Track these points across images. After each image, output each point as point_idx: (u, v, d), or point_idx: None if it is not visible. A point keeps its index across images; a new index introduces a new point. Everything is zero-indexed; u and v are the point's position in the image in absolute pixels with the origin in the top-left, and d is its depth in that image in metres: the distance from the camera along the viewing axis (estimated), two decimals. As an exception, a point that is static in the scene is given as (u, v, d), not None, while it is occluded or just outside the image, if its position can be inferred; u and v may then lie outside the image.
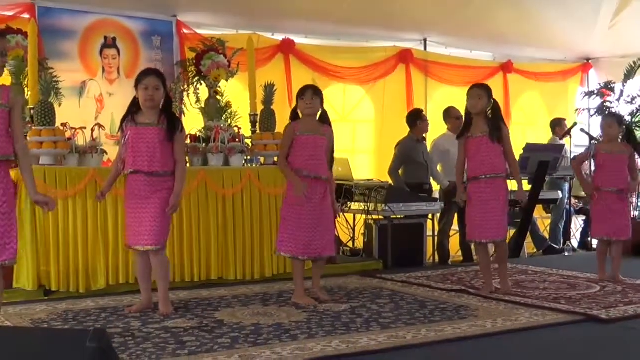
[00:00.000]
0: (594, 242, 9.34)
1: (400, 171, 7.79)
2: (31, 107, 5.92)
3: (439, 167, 7.98)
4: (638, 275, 6.20)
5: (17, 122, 3.99)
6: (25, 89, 6.12)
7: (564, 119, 9.13)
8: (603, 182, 6.10)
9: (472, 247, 8.04)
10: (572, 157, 9.42)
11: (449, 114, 8.03)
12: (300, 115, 5.39)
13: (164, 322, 4.62)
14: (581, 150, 10.01)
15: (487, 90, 5.66)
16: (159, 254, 4.90)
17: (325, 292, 5.51)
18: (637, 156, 6.37)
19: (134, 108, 4.88)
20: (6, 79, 6.23)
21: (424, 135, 7.99)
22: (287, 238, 5.28)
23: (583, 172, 9.76)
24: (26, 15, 6.67)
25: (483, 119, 5.57)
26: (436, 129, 8.20)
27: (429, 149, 8.04)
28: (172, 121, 4.89)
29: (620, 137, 6.21)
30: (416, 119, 7.85)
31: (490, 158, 5.51)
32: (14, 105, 3.94)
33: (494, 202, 5.53)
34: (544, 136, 9.26)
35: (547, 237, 8.88)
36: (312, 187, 5.25)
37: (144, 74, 4.98)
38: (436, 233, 7.95)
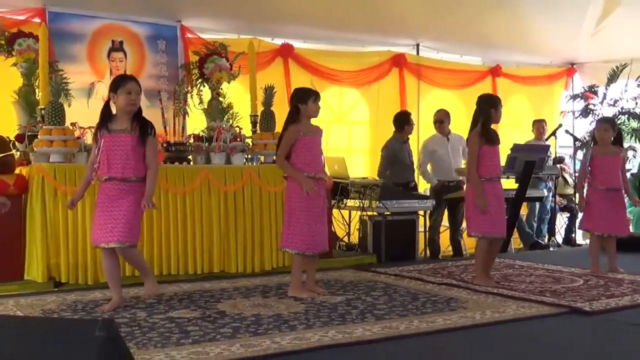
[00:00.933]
0: (578, 239, 9.43)
1: (387, 171, 7.83)
2: (42, 107, 5.91)
3: (428, 167, 7.99)
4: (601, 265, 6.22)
5: None
6: (36, 90, 6.11)
7: (543, 120, 9.13)
8: (602, 182, 6.12)
9: (462, 242, 8.12)
10: (556, 156, 9.50)
11: (437, 117, 8.03)
12: (302, 118, 5.20)
13: (169, 313, 4.62)
14: (566, 150, 10.10)
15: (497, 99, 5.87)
16: (127, 251, 4.76)
17: (320, 286, 5.50)
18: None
19: (108, 113, 4.74)
20: (17, 80, 6.25)
21: (408, 135, 8.02)
22: (292, 235, 5.19)
23: (568, 172, 9.88)
24: (37, 20, 6.66)
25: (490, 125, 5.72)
26: (428, 130, 8.21)
27: (419, 149, 8.06)
28: (144, 126, 4.75)
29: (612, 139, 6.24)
30: (404, 123, 7.88)
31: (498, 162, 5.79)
32: None
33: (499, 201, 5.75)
34: (531, 137, 9.27)
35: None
36: (319, 188, 5.21)
37: (124, 79, 4.83)
38: (427, 229, 7.95)
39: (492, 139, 5.64)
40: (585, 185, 6.33)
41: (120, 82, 4.71)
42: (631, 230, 8.83)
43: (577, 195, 9.67)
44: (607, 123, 6.43)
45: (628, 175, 9.64)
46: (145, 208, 4.79)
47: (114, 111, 4.75)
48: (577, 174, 9.65)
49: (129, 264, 4.92)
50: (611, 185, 6.13)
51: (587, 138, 9.36)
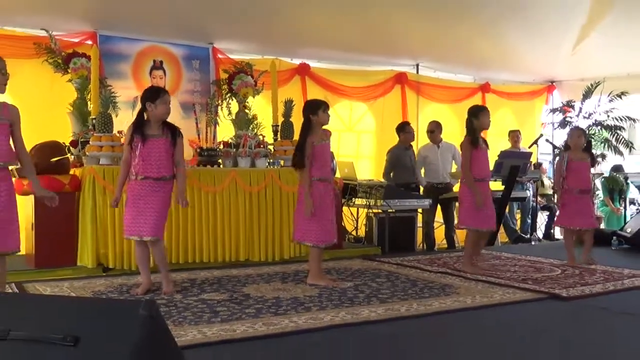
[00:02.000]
0: (557, 234, 9.38)
1: (391, 174, 7.84)
2: (93, 117, 5.95)
3: (422, 171, 7.99)
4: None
5: (17, 133, 3.86)
6: (88, 103, 6.15)
7: (518, 130, 9.12)
8: (575, 184, 6.08)
9: (455, 236, 8.10)
10: (536, 162, 9.47)
11: (428, 128, 8.06)
12: (315, 127, 5.10)
13: (201, 295, 4.64)
14: (545, 156, 10.07)
15: (486, 110, 5.85)
16: (156, 244, 4.71)
17: (332, 274, 5.49)
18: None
19: (142, 120, 4.66)
20: (72, 94, 6.28)
21: (411, 143, 8.01)
22: (307, 230, 5.11)
23: (546, 175, 9.85)
24: (89, 42, 6.71)
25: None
26: (426, 138, 8.20)
27: (416, 155, 8.07)
28: (174, 131, 4.72)
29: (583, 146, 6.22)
30: (399, 131, 7.92)
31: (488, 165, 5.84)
32: (14, 120, 3.82)
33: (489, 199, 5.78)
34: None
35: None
36: (327, 187, 5.16)
37: (162, 91, 4.76)
38: (423, 224, 7.94)
39: (474, 144, 5.63)
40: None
41: (159, 94, 4.67)
42: (602, 227, 8.82)
43: (555, 195, 9.68)
44: (580, 131, 6.46)
45: (600, 178, 9.65)
46: (183, 205, 4.84)
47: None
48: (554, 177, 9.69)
49: (154, 257, 4.79)
50: (583, 186, 6.10)
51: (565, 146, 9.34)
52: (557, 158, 9.50)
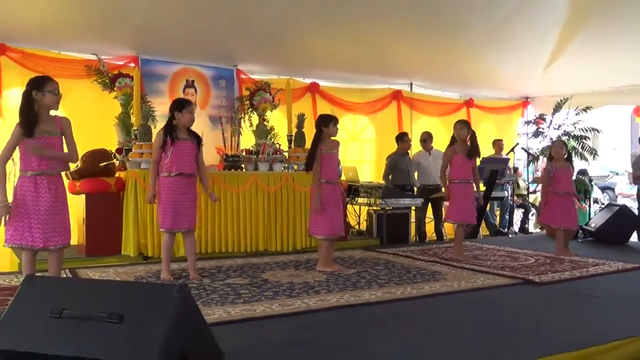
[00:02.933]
0: (530, 228, 9.35)
1: (390, 176, 7.84)
2: (135, 128, 5.97)
3: (415, 174, 7.99)
4: (548, 249, 6.15)
5: (70, 142, 3.84)
6: (131, 116, 6.18)
7: (501, 140, 9.09)
8: (560, 188, 6.02)
9: (443, 230, 8.09)
10: (513, 166, 9.43)
11: (421, 137, 8.05)
12: (325, 137, 5.10)
13: (226, 280, 4.64)
14: (522, 162, 10.02)
15: (468, 124, 5.88)
16: (192, 234, 4.73)
17: (338, 262, 5.47)
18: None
19: (172, 126, 4.59)
20: (117, 109, 6.32)
21: (408, 150, 8.00)
22: (318, 224, 5.12)
23: (522, 178, 9.80)
24: (132, 64, 6.73)
25: (464, 143, 5.72)
26: (419, 147, 8.19)
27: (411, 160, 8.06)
28: (198, 138, 4.71)
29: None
30: (398, 140, 7.93)
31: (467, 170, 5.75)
32: (65, 131, 3.82)
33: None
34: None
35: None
36: (334, 188, 5.15)
37: (187, 102, 4.69)
38: (416, 219, 7.93)
39: (455, 151, 5.70)
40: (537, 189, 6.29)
41: (184, 104, 4.62)
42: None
43: (529, 196, 9.63)
44: (561, 142, 6.44)
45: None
46: (214, 200, 4.92)
47: None
48: (530, 180, 9.63)
49: (186, 246, 4.75)
50: (567, 189, 6.05)
51: (537, 153, 9.30)
52: (533, 165, 9.54)
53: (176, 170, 4.54)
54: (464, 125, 5.80)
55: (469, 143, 5.76)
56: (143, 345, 2.07)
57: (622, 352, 2.99)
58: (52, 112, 3.84)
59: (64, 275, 4.51)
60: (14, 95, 5.74)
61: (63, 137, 3.82)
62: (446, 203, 6.08)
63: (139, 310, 2.21)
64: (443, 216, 7.99)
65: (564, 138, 8.75)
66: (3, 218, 3.67)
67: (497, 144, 8.96)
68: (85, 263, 5.30)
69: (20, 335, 2.20)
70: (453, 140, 5.83)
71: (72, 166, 5.65)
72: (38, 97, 3.69)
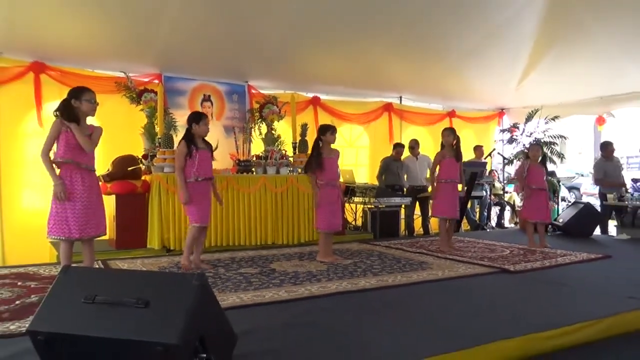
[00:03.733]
0: (506, 223, 9.32)
1: (383, 177, 7.82)
2: (159, 137, 5.97)
3: (405, 176, 7.98)
4: (522, 242, 6.14)
5: (96, 143, 3.80)
6: (155, 126, 6.18)
7: (482, 146, 9.06)
8: (534, 183, 6.00)
9: (429, 225, 8.07)
10: (490, 169, 9.42)
11: (409, 144, 8.09)
12: (325, 145, 5.10)
13: (239, 270, 4.64)
14: (499, 165, 10.00)
15: (454, 131, 5.89)
16: (206, 230, 4.81)
17: (337, 254, 5.47)
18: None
19: (191, 136, 4.56)
20: (143, 120, 6.31)
21: (400, 157, 8.00)
22: (319, 220, 5.14)
23: (497, 179, 9.78)
24: (156, 81, 6.74)
25: (450, 148, 5.73)
26: (407, 152, 8.20)
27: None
28: (210, 145, 4.71)
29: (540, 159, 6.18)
30: (394, 147, 7.97)
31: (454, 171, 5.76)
32: (95, 133, 3.80)
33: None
34: (473, 157, 9.17)
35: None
36: (333, 190, 5.13)
37: (202, 115, 4.64)
38: (406, 217, 7.91)
39: (445, 155, 5.72)
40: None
41: (201, 117, 4.61)
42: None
43: (505, 195, 9.62)
44: (538, 146, 6.41)
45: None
46: (222, 203, 4.97)
47: None
48: (506, 181, 9.62)
49: (200, 239, 4.73)
50: (540, 185, 6.02)
51: (512, 157, 9.28)
52: (508, 167, 9.52)
53: (202, 176, 4.55)
54: (450, 133, 5.80)
55: (454, 148, 5.76)
56: (166, 327, 2.07)
57: (588, 331, 2.98)
58: (89, 121, 3.84)
59: (97, 266, 4.52)
60: (52, 108, 5.73)
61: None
62: (431, 201, 6.06)
63: (162, 296, 2.21)
64: (429, 213, 8.00)
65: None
66: (63, 194, 3.61)
67: (478, 149, 8.94)
68: (115, 255, 5.31)
69: (58, 319, 2.19)
70: (442, 145, 5.83)
71: (103, 170, 5.67)
72: (76, 104, 3.69)
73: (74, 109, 3.69)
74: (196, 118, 4.59)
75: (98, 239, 3.93)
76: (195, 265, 4.68)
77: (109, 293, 2.21)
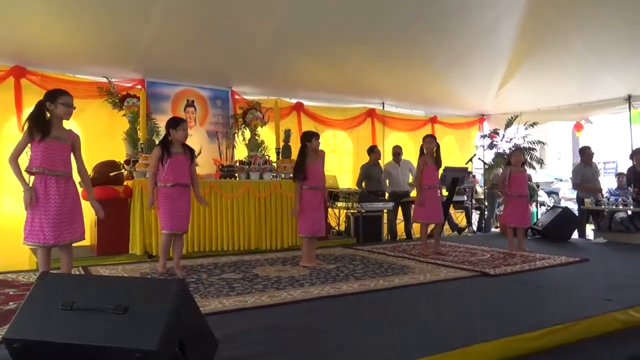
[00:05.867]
0: (487, 228, 9.39)
1: (363, 183, 7.85)
2: (141, 142, 5.92)
3: (387, 182, 8.01)
4: (502, 246, 6.20)
5: (79, 157, 3.77)
6: (138, 131, 6.12)
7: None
8: (515, 190, 6.03)
9: (411, 230, 8.11)
10: (472, 174, 9.50)
11: (392, 150, 8.14)
12: (309, 151, 5.09)
13: (222, 275, 4.60)
14: (479, 171, 10.10)
15: (435, 138, 5.95)
16: (182, 237, 4.66)
17: (320, 259, 5.46)
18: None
19: (168, 141, 4.52)
20: (125, 125, 6.25)
21: (379, 160, 8.03)
22: (304, 226, 5.11)
23: (478, 184, 9.88)
24: (139, 86, 6.68)
25: (431, 155, 5.78)
26: (390, 157, 8.24)
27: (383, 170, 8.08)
28: (191, 150, 4.66)
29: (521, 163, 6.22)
30: (369, 152, 8.00)
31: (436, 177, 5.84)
32: (75, 143, 3.74)
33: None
34: (456, 163, 9.25)
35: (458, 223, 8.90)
36: (317, 194, 5.11)
37: (180, 120, 4.59)
38: (388, 221, 7.92)
39: (426, 162, 5.77)
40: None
41: (178, 122, 4.52)
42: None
43: (486, 201, 9.70)
44: (520, 151, 6.48)
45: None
46: (205, 204, 4.88)
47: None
48: (487, 186, 9.71)
49: (176, 246, 4.63)
50: (521, 192, 6.04)
51: (492, 163, 9.38)
52: (489, 172, 9.60)
53: (172, 181, 4.48)
54: (432, 140, 5.85)
55: (435, 154, 5.81)
56: (145, 334, 2.03)
57: (565, 333, 3.01)
58: (66, 125, 3.78)
59: (77, 272, 4.44)
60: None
61: (72, 148, 3.73)
62: (413, 206, 6.10)
63: (141, 302, 2.18)
64: (411, 218, 8.04)
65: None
66: (31, 200, 3.55)
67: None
68: (96, 261, 5.23)
69: (35, 326, 2.15)
70: (422, 151, 5.85)
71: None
72: (51, 107, 3.62)
73: (45, 120, 3.59)
74: (173, 124, 4.54)
75: (80, 244, 3.86)
76: (169, 272, 4.57)
77: (87, 299, 2.17)
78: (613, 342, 3.09)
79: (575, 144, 16.45)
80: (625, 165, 9.33)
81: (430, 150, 5.79)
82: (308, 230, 5.09)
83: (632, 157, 7.45)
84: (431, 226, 6.40)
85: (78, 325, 2.10)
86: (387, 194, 7.94)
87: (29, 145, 3.61)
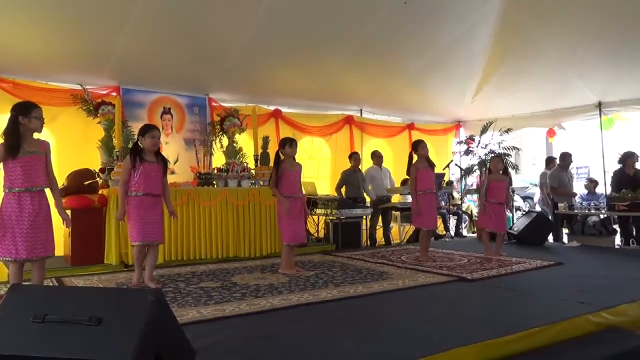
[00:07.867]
0: (464, 233, 9.49)
1: (343, 189, 7.86)
2: (117, 150, 5.84)
3: (370, 187, 8.03)
4: (479, 250, 6.27)
5: (49, 164, 3.69)
6: (113, 139, 6.04)
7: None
8: (493, 197, 6.06)
9: (390, 236, 8.14)
10: (448, 180, 9.59)
11: (374, 154, 8.18)
12: (283, 156, 5.09)
13: (200, 284, 4.55)
14: (456, 176, 10.21)
15: (425, 143, 5.95)
16: (156, 248, 4.51)
17: (299, 265, 5.44)
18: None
19: (138, 149, 4.39)
20: (100, 133, 6.16)
21: (359, 167, 8.06)
22: (281, 232, 5.10)
23: (456, 189, 9.98)
24: (114, 94, 6.60)
25: (423, 159, 5.78)
26: (368, 163, 8.29)
27: (364, 175, 8.10)
28: (165, 160, 4.53)
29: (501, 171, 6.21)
30: (350, 157, 8.03)
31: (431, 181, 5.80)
32: (47, 152, 3.67)
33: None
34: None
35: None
36: (295, 203, 5.09)
37: (150, 127, 4.44)
38: (368, 227, 7.96)
39: (419, 167, 5.74)
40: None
41: (147, 129, 4.40)
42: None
43: (463, 205, 9.82)
44: (499, 158, 6.51)
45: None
46: (176, 217, 4.78)
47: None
48: (463, 192, 9.82)
49: (148, 257, 4.47)
50: (499, 200, 6.08)
51: (475, 168, 9.48)
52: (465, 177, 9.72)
53: (143, 191, 4.34)
54: (425, 145, 5.85)
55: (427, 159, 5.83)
56: (119, 345, 1.99)
57: (541, 336, 3.05)
58: (36, 135, 3.70)
59: (50, 284, 4.34)
60: (3, 120, 5.53)
61: (45, 158, 3.66)
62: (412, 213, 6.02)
63: (116, 313, 2.13)
64: (390, 224, 8.08)
65: (490, 155, 8.97)
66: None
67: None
68: (71, 272, 5.13)
69: (5, 339, 2.08)
70: (410, 158, 5.80)
71: (59, 184, 5.48)
72: (24, 121, 3.54)
73: (20, 136, 3.52)
74: (142, 131, 4.43)
75: (53, 255, 3.78)
76: (141, 284, 4.44)
77: (60, 311, 2.12)
78: (587, 343, 3.14)
79: (548, 150, 16.78)
80: (597, 170, 9.56)
81: (425, 154, 5.78)
82: (289, 237, 5.06)
83: (622, 161, 7.39)
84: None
85: (50, 338, 2.05)
86: (368, 199, 7.96)
87: (2, 163, 3.53)
